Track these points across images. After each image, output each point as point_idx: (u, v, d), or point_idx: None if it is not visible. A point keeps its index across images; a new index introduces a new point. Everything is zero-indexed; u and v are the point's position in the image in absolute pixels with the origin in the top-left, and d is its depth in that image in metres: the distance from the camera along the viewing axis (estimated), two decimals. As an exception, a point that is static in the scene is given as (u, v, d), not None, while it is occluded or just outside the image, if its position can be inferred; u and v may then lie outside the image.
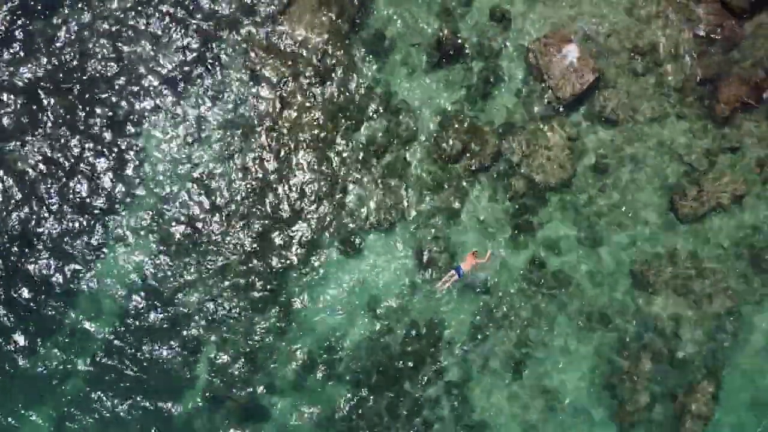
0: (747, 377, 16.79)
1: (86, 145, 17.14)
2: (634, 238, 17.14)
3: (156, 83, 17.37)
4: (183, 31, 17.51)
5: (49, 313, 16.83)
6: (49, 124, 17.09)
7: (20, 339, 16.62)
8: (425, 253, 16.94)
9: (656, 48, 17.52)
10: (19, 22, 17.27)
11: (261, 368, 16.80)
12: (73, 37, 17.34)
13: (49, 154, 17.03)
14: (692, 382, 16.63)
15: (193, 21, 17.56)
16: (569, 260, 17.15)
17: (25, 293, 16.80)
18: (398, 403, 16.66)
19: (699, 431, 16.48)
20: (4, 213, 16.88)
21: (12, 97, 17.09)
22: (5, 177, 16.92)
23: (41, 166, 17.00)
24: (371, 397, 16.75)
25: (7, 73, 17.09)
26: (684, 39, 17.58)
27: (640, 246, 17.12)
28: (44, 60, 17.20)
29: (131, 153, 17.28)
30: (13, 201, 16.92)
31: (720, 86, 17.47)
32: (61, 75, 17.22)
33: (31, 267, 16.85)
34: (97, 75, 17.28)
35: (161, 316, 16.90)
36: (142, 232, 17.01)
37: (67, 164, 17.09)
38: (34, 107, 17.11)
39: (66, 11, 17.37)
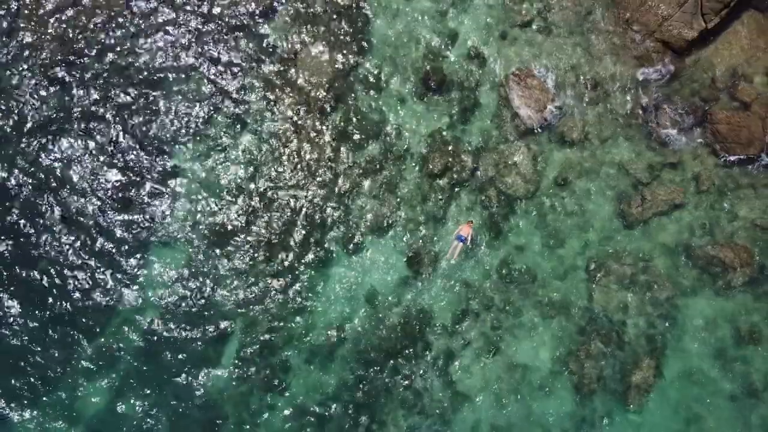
0: (683, 355, 20.04)
1: (129, 161, 20.58)
2: (589, 239, 20.47)
3: (189, 110, 20.78)
4: (214, 67, 20.95)
5: (102, 303, 20.22)
6: (95, 143, 20.57)
7: (82, 321, 19.95)
8: (414, 252, 20.30)
9: (607, 80, 20.87)
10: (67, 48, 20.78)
11: (278, 349, 20.06)
12: (116, 70, 20.80)
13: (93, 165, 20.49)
14: (637, 359, 19.92)
15: (223, 59, 21.01)
16: (535, 259, 20.47)
17: (81, 286, 20.16)
18: (393, 377, 19.97)
19: (642, 400, 19.79)
20: (58, 213, 20.32)
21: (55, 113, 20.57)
22: (59, 191, 20.36)
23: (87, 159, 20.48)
24: (370, 372, 20.00)
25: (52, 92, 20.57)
26: (631, 72, 20.94)
27: (593, 246, 20.45)
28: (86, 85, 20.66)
29: (167, 168, 20.68)
30: (63, 200, 20.37)
31: (662, 112, 20.83)
32: (105, 100, 20.69)
33: (85, 260, 20.26)
34: (140, 104, 20.73)
35: (195, 306, 20.23)
36: (180, 235, 20.36)
37: (114, 179, 20.54)
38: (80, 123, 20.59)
39: (113, 43, 20.83)
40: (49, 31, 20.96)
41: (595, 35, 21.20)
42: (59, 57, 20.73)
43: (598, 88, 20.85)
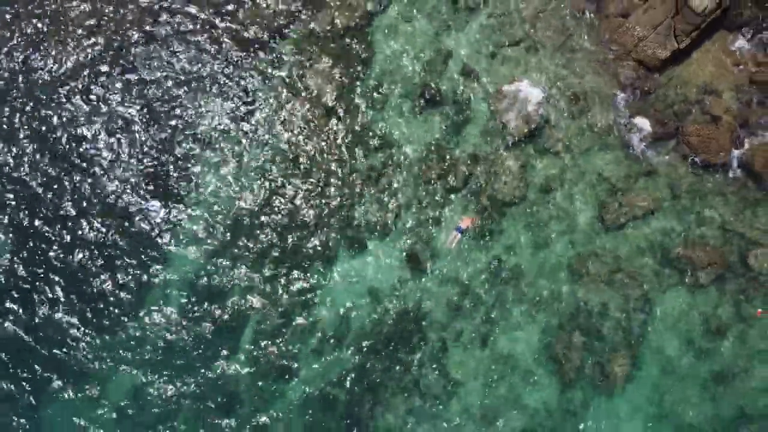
0: (656, 346, 21.99)
1: (156, 168, 22.68)
2: (571, 240, 22.46)
3: (205, 123, 22.86)
4: (230, 81, 23.02)
5: (128, 296, 22.32)
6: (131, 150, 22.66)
7: (118, 306, 22.07)
8: (412, 251, 22.32)
9: (588, 95, 22.87)
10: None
11: (288, 339, 22.09)
12: (147, 86, 22.90)
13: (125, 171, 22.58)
14: (614, 350, 21.89)
15: (239, 76, 23.08)
16: (522, 258, 22.46)
17: (114, 278, 22.27)
18: (393, 365, 21.99)
19: (619, 386, 21.76)
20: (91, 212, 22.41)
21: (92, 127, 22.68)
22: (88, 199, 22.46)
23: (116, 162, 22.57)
24: (372, 361, 22.02)
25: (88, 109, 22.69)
26: (609, 88, 22.94)
27: (575, 247, 22.43)
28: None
29: (189, 172, 22.75)
30: (91, 203, 22.46)
31: (638, 125, 22.80)
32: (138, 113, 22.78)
33: (113, 258, 22.35)
34: (165, 119, 22.83)
35: (214, 302, 22.29)
36: (200, 234, 22.43)
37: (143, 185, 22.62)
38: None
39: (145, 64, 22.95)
40: (79, 42, 23.09)
41: (577, 54, 23.20)
42: (96, 69, 22.87)
43: (580, 102, 22.84)
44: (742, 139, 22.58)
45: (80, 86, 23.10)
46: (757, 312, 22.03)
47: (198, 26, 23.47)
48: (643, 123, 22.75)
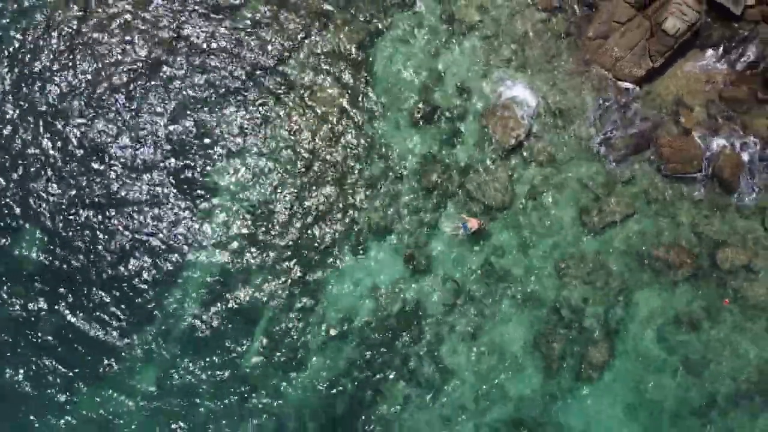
0: (633, 339, 24.11)
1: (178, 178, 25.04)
2: (555, 243, 24.60)
3: (218, 138, 25.18)
4: (240, 98, 25.33)
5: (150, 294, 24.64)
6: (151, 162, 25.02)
7: (135, 312, 24.43)
8: (410, 253, 24.54)
9: (570, 110, 25.04)
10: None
11: (297, 334, 24.36)
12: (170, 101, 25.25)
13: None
14: (594, 342, 24.03)
15: (247, 93, 25.38)
16: (510, 259, 24.64)
17: (139, 278, 24.61)
18: (392, 357, 24.20)
19: (599, 376, 23.91)
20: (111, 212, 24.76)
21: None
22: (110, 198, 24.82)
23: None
24: (373, 354, 24.26)
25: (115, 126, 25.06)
26: (590, 103, 25.11)
27: (559, 248, 24.56)
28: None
29: (204, 181, 25.06)
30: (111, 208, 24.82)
31: (617, 136, 24.97)
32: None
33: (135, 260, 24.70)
34: (186, 127, 25.17)
35: (229, 300, 24.59)
36: (215, 239, 24.74)
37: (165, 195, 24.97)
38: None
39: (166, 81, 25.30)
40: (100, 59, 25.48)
41: (561, 73, 25.36)
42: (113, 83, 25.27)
43: (563, 116, 25.01)
44: (712, 150, 24.68)
45: (104, 96, 25.45)
46: (724, 301, 24.16)
47: (212, 48, 25.74)
48: (621, 135, 24.88)
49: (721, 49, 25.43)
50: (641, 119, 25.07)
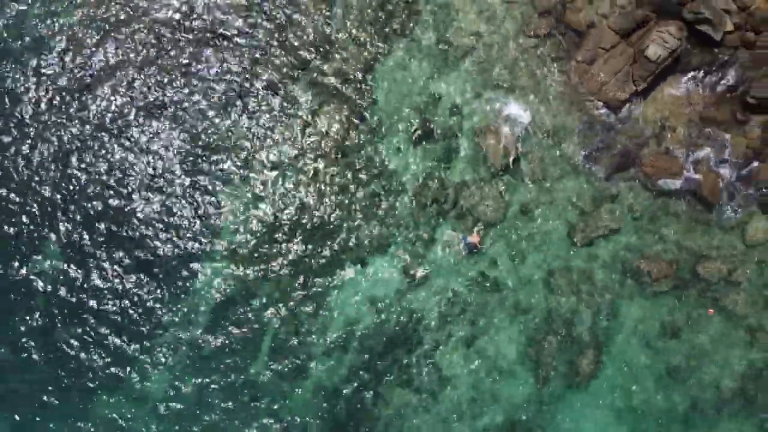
0: (619, 346, 25.49)
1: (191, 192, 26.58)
2: (545, 256, 26.03)
3: (230, 158, 26.72)
4: (250, 119, 26.91)
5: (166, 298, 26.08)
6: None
7: (156, 308, 25.85)
8: (408, 265, 25.97)
9: (560, 130, 26.56)
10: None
11: (302, 343, 25.72)
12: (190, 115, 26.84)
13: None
14: (583, 349, 25.41)
15: (256, 114, 26.97)
16: (503, 271, 26.05)
17: (151, 289, 26.04)
18: (391, 365, 25.56)
19: (587, 381, 25.27)
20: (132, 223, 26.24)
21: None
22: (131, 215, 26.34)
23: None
24: (374, 362, 25.62)
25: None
26: (578, 124, 26.63)
27: (549, 261, 26.01)
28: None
29: (212, 202, 26.58)
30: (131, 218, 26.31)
31: (603, 155, 26.48)
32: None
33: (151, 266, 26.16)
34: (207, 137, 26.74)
35: (238, 312, 25.99)
36: (225, 254, 26.19)
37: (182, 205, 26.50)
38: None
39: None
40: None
41: (550, 95, 26.90)
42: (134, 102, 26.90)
43: (553, 136, 26.53)
44: (693, 168, 26.16)
45: (119, 114, 27.04)
46: (709, 311, 25.52)
47: (223, 69, 27.35)
48: (607, 154, 26.39)
49: (702, 72, 26.94)
50: (626, 139, 26.56)
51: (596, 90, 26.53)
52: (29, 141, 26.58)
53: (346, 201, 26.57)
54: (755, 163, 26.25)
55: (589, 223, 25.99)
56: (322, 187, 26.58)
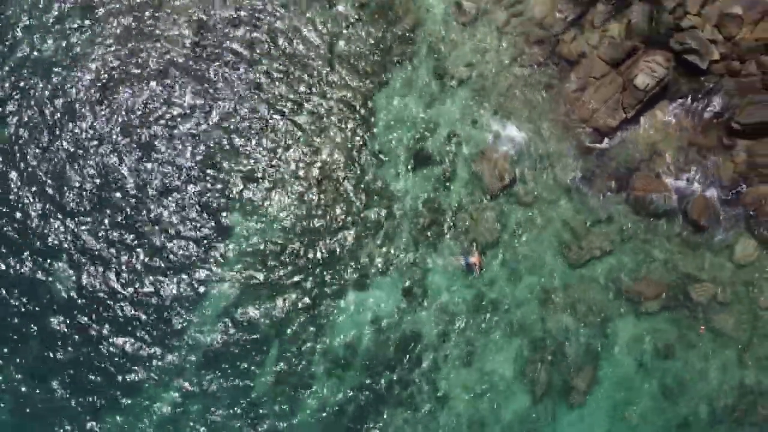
0: (613, 365, 26.25)
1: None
2: (540, 277, 26.92)
3: (239, 176, 27.79)
4: (258, 147, 28.00)
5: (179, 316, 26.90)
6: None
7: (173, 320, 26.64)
8: (408, 286, 26.84)
9: (552, 156, 27.62)
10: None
11: (305, 362, 26.46)
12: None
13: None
14: (578, 368, 26.16)
15: (263, 144, 28.09)
16: (500, 291, 26.90)
17: (160, 307, 26.89)
18: (392, 383, 26.27)
19: (582, 400, 25.98)
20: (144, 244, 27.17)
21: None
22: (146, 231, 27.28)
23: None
24: (375, 380, 26.34)
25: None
26: (570, 149, 27.67)
27: (544, 282, 26.89)
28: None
29: (219, 228, 27.53)
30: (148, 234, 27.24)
31: (595, 179, 27.49)
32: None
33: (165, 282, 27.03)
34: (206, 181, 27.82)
35: (244, 331, 26.81)
36: (230, 275, 27.09)
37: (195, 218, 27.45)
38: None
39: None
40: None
41: (543, 121, 28.01)
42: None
43: (546, 161, 27.57)
44: (682, 192, 27.13)
45: (131, 130, 28.14)
46: (701, 329, 26.31)
47: (231, 95, 28.52)
48: (598, 178, 27.41)
49: (690, 99, 28.08)
50: (617, 163, 27.60)
51: (588, 117, 27.63)
52: (45, 150, 27.50)
53: (348, 223, 27.52)
54: (742, 187, 27.28)
55: (582, 245, 26.90)
56: (324, 210, 27.55)
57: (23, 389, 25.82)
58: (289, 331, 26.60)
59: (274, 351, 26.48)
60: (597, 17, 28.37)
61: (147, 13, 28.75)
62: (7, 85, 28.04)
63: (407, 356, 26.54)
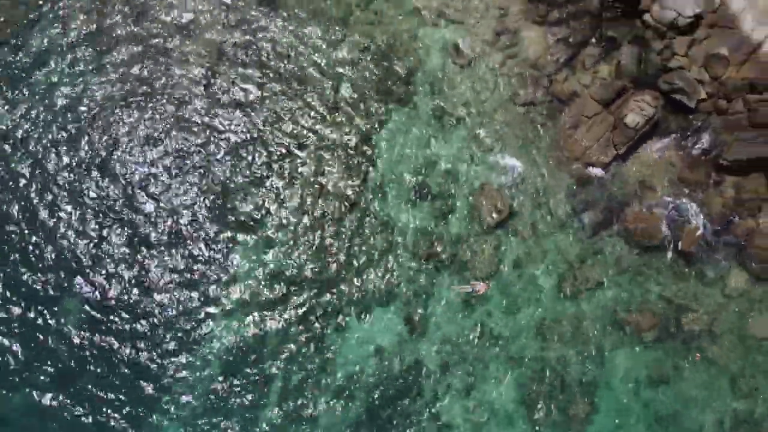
0: (610, 394, 26.89)
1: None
2: (537, 307, 27.76)
3: (246, 212, 28.88)
4: (263, 182, 29.18)
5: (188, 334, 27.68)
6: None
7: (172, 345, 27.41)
8: (409, 317, 27.67)
9: (548, 190, 28.73)
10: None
11: (309, 392, 27.16)
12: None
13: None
14: (575, 397, 26.80)
15: (269, 177, 29.29)
16: (498, 322, 27.72)
17: (167, 341, 27.72)
18: (394, 412, 26.92)
19: (581, 428, 26.58)
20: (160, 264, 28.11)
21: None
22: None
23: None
24: (377, 410, 26.96)
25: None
26: (564, 184, 28.80)
27: (540, 312, 27.72)
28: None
29: (223, 265, 28.52)
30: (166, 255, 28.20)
31: (589, 213, 28.54)
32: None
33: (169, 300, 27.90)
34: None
35: (248, 366, 27.58)
36: (235, 307, 27.96)
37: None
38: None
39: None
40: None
41: (539, 158, 29.22)
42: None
43: (542, 196, 28.68)
44: (672, 225, 28.15)
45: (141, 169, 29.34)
46: (696, 356, 27.01)
47: (237, 134, 29.84)
48: (592, 212, 28.47)
49: (679, 137, 29.27)
50: (609, 198, 28.69)
51: (581, 153, 28.82)
52: (54, 190, 28.72)
53: (351, 256, 28.49)
54: (731, 220, 28.25)
55: (578, 276, 27.82)
56: (328, 243, 28.57)
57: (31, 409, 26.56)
58: (292, 362, 27.29)
59: (277, 383, 27.12)
60: (588, 59, 29.81)
61: (157, 49, 30.35)
62: (19, 109, 29.51)
63: (408, 386, 27.21)
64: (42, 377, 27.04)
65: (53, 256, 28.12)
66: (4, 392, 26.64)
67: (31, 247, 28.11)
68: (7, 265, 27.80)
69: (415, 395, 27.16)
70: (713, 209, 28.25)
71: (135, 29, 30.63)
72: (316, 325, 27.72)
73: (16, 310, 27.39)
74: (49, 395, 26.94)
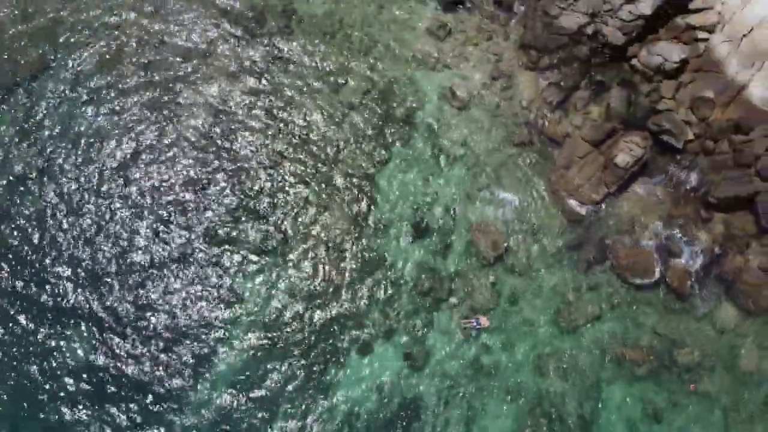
0: (605, 428, 27.39)
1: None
2: (534, 342, 28.47)
3: (249, 248, 29.93)
4: (263, 222, 30.34)
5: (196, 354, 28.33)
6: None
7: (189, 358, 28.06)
8: (409, 350, 28.38)
9: (542, 228, 29.78)
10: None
11: (309, 424, 27.70)
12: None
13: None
14: (571, 431, 27.34)
15: (271, 217, 30.46)
16: (495, 356, 28.40)
17: (174, 376, 28.42)
18: (394, 446, 27.58)
19: (577, 462, 27.06)
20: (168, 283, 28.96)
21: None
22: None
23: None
24: (377, 444, 27.64)
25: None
26: (558, 222, 29.86)
27: (537, 346, 28.42)
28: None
29: (227, 302, 29.47)
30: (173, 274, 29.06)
31: (582, 249, 29.51)
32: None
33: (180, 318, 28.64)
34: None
35: (251, 396, 28.26)
36: (238, 343, 28.77)
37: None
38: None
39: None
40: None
41: (533, 196, 30.37)
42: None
43: (537, 233, 29.72)
44: (663, 261, 29.07)
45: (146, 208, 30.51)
46: (691, 386, 27.57)
47: (240, 175, 31.12)
48: (585, 248, 29.45)
49: (668, 176, 30.45)
50: (601, 234, 29.69)
51: (573, 191, 29.96)
52: (68, 217, 29.89)
53: (351, 290, 29.37)
54: (721, 256, 29.15)
55: (573, 311, 28.62)
56: (329, 278, 29.52)
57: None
58: (292, 396, 27.81)
59: (278, 421, 27.62)
60: (579, 101, 31.25)
61: (167, 96, 31.97)
62: (33, 152, 30.93)
63: (409, 421, 27.72)
64: (49, 398, 27.53)
65: (66, 276, 28.93)
66: (14, 412, 27.29)
67: (41, 268, 29.01)
68: (18, 285, 28.74)
69: (415, 429, 27.66)
70: (703, 245, 29.19)
71: (146, 79, 32.37)
72: (316, 360, 28.37)
73: (25, 329, 28.09)
74: (55, 416, 27.41)
